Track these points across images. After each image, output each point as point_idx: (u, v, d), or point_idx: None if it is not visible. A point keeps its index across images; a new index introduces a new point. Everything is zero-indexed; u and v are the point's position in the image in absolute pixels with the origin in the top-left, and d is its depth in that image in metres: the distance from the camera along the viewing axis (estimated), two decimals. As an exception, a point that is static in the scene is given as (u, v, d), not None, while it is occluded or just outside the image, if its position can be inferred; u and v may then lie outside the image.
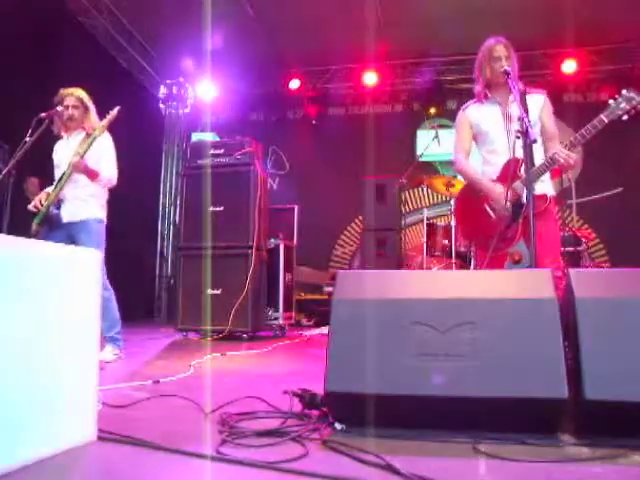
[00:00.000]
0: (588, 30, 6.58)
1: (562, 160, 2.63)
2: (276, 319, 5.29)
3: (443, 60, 7.63)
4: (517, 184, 2.76)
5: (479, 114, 3.00)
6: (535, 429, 1.60)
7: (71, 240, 3.37)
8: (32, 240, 1.47)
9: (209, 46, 6.87)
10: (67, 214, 3.41)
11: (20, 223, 3.35)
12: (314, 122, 8.27)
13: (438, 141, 5.93)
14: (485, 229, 2.85)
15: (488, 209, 2.88)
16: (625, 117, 2.54)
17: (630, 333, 1.61)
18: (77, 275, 1.60)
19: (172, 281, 8.25)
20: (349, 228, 8.15)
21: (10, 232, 1.58)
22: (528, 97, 2.82)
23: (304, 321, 6.78)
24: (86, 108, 3.50)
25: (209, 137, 5.82)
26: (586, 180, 6.25)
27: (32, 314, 1.42)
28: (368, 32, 6.39)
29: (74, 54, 5.72)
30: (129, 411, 1.96)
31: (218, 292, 4.78)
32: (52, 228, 3.39)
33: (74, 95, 3.47)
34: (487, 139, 2.96)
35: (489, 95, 2.97)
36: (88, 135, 3.46)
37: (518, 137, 2.50)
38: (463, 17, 6.45)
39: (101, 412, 1.74)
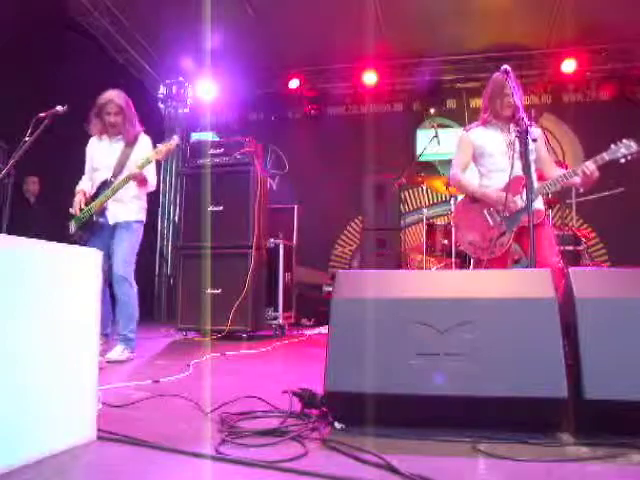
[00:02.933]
0: (588, 30, 6.58)
1: (588, 172, 2.86)
2: (276, 319, 5.29)
3: (443, 59, 7.63)
4: (517, 198, 3.02)
5: (484, 137, 3.20)
6: (535, 428, 1.60)
7: (112, 240, 3.44)
8: (32, 240, 1.46)
9: (209, 46, 6.87)
10: (111, 217, 3.45)
11: (19, 223, 3.35)
12: (313, 112, 8.27)
13: (438, 140, 5.93)
14: (481, 233, 3.11)
15: (487, 215, 3.11)
16: (623, 160, 2.86)
17: (629, 333, 1.61)
18: (77, 275, 1.60)
19: (172, 280, 8.25)
20: (349, 228, 8.15)
21: (9, 232, 1.58)
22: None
23: (304, 321, 6.78)
24: (126, 115, 3.49)
25: (209, 137, 5.81)
26: (586, 180, 6.24)
27: (32, 314, 1.42)
28: (368, 32, 6.38)
29: (74, 54, 5.72)
30: (129, 411, 1.96)
31: (218, 292, 4.78)
32: (95, 233, 3.43)
33: (114, 102, 3.46)
34: (490, 160, 3.17)
35: (493, 121, 3.18)
36: (128, 144, 3.50)
37: (518, 136, 2.56)
38: (463, 16, 6.45)
39: (101, 412, 1.74)
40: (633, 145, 2.84)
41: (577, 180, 2.96)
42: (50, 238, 1.57)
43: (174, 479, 1.34)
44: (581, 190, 3.20)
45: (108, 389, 2.34)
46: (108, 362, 3.17)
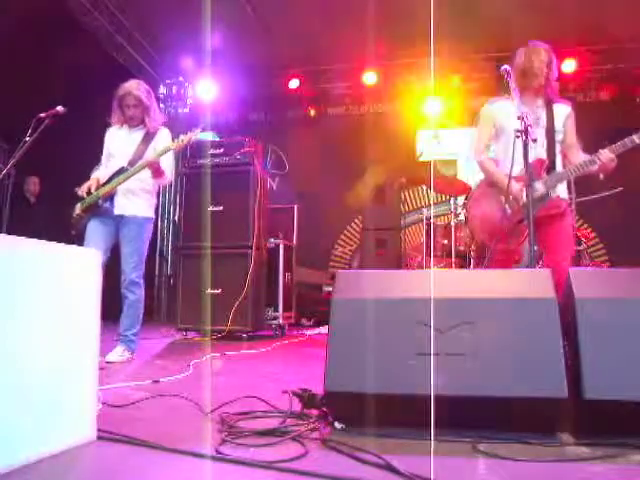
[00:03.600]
0: (588, 30, 6.58)
1: (604, 160, 2.79)
2: (276, 319, 5.29)
3: (443, 59, 7.61)
4: (537, 184, 2.85)
5: (505, 112, 2.99)
6: (535, 429, 1.60)
7: (117, 232, 3.42)
8: (32, 240, 1.46)
9: (209, 46, 6.87)
10: (118, 207, 3.41)
11: (19, 223, 3.35)
12: (313, 113, 8.27)
13: (438, 140, 5.93)
14: (498, 222, 2.92)
15: (504, 201, 2.95)
16: None
17: (629, 333, 1.61)
18: (77, 275, 1.60)
19: (172, 280, 8.25)
20: (349, 228, 8.15)
21: (10, 232, 1.58)
22: (554, 106, 3.01)
23: (304, 321, 6.78)
24: (145, 107, 3.47)
25: (209, 137, 5.81)
26: (586, 179, 6.23)
27: (32, 314, 1.42)
28: (368, 32, 6.38)
29: (74, 54, 5.71)
30: (129, 411, 1.96)
31: (218, 292, 4.78)
32: (98, 217, 3.40)
33: (132, 94, 3.43)
34: (510, 138, 2.90)
35: (518, 95, 2.92)
36: (149, 133, 3.49)
37: (518, 136, 2.53)
38: (463, 16, 6.44)
39: (101, 412, 1.74)
40: None
41: (595, 168, 2.88)
42: (50, 238, 1.57)
43: (174, 479, 1.34)
44: (601, 177, 3.10)
45: (108, 389, 2.34)
46: (108, 363, 3.17)
